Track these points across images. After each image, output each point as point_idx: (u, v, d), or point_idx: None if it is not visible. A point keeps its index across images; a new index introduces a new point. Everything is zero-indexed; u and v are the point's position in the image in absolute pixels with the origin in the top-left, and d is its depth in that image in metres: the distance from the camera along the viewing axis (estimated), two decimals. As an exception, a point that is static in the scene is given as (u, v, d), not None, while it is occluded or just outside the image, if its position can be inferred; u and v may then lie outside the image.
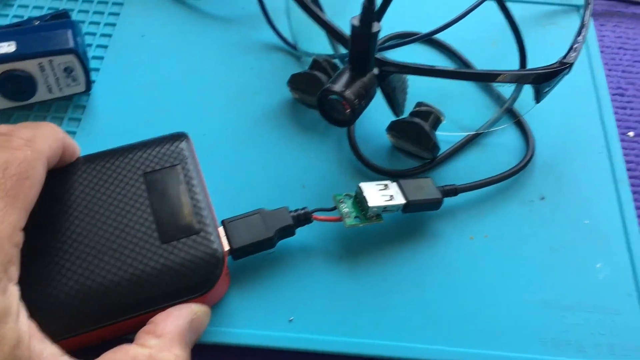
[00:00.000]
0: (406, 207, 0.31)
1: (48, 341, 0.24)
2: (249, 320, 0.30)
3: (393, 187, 0.32)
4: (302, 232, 0.31)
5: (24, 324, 0.23)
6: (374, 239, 0.33)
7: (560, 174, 0.36)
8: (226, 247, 0.29)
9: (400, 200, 0.31)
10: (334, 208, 0.31)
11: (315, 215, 0.31)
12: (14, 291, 0.23)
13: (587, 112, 0.39)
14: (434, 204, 0.32)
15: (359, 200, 0.31)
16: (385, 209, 0.31)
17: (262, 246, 0.30)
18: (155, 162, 0.30)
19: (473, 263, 0.32)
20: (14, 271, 0.23)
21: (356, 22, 0.29)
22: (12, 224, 0.23)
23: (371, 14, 0.29)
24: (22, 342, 0.22)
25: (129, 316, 0.26)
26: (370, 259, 0.32)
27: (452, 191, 0.33)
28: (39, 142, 0.26)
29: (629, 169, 0.37)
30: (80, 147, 0.31)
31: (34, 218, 0.26)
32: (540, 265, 0.32)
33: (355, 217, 0.31)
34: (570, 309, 0.31)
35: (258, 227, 0.30)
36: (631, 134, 0.39)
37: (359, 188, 0.31)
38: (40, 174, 0.26)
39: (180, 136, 0.32)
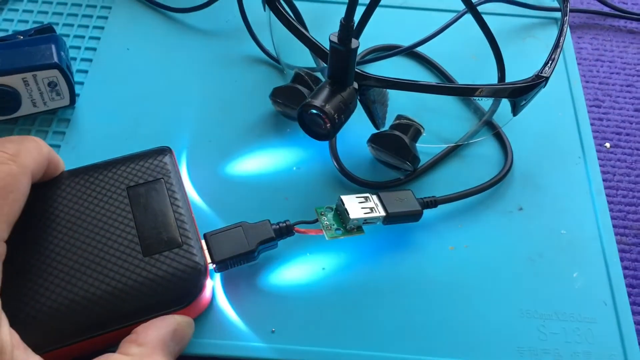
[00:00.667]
0: (386, 219, 0.32)
1: (31, 352, 0.24)
2: (232, 331, 0.30)
3: (373, 200, 0.32)
4: (284, 244, 0.32)
5: (6, 334, 0.23)
6: (355, 250, 0.33)
7: (538, 185, 0.37)
8: (208, 260, 0.29)
9: (380, 212, 0.31)
10: (316, 220, 0.32)
11: (297, 227, 0.31)
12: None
13: (565, 124, 0.40)
14: (414, 216, 0.33)
15: (340, 212, 0.32)
16: (365, 221, 0.31)
17: (244, 259, 0.30)
18: (139, 177, 0.31)
19: (453, 273, 0.33)
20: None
21: (335, 39, 0.30)
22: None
23: (349, 31, 0.29)
24: (4, 351, 0.22)
25: (112, 329, 0.27)
26: (351, 270, 0.33)
27: (432, 203, 0.33)
28: (23, 156, 0.26)
29: (605, 180, 0.38)
30: (65, 161, 0.31)
31: (18, 231, 0.26)
32: (518, 275, 0.33)
33: (337, 230, 0.31)
34: (547, 318, 0.32)
35: (240, 240, 0.30)
36: (608, 145, 0.40)
37: (340, 200, 0.32)
38: (24, 188, 0.26)
39: (163, 150, 0.32)
